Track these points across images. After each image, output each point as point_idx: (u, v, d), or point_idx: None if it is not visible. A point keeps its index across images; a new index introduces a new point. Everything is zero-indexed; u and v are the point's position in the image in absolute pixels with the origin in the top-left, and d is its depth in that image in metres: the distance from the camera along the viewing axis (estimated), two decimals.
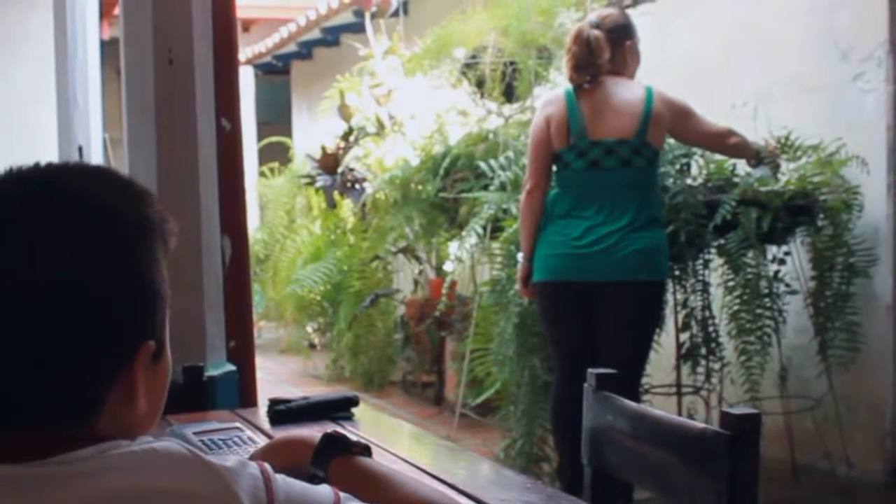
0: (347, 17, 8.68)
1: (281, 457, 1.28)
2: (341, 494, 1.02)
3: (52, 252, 0.90)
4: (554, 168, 3.80)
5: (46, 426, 0.92)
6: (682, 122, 3.81)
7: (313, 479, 1.20)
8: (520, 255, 3.90)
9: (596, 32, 3.71)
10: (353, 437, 1.26)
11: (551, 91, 4.53)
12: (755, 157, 3.98)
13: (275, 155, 8.76)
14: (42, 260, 0.90)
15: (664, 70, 4.63)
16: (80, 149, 4.42)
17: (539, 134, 3.79)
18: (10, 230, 0.91)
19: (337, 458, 1.23)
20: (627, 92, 3.74)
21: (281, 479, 0.97)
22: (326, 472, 1.22)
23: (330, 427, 1.78)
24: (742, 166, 4.17)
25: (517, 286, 3.98)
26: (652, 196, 3.74)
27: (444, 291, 5.46)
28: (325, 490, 1.02)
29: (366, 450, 1.25)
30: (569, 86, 3.80)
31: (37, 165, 0.96)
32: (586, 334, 3.69)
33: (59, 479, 0.88)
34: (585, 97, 3.74)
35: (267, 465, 0.98)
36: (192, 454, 0.93)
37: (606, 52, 3.71)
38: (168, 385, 1.03)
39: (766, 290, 4.00)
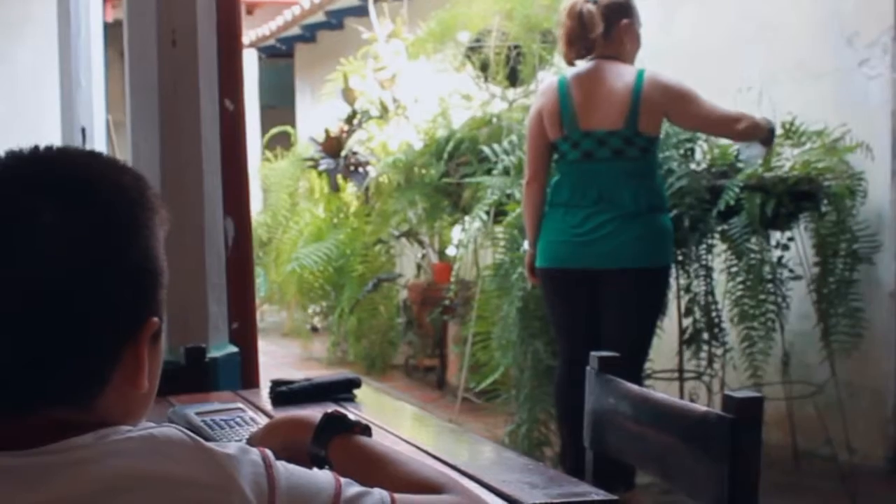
0: (351, 1, 8.65)
1: (281, 436, 1.27)
2: (342, 480, 1.01)
3: (58, 230, 0.90)
4: (553, 156, 3.79)
5: (50, 410, 0.92)
6: (680, 107, 3.68)
7: (314, 459, 1.20)
8: (525, 243, 3.90)
9: (590, 6, 3.66)
10: (354, 417, 1.26)
11: (546, 80, 4.50)
12: (769, 137, 3.84)
13: (278, 139, 8.76)
14: (48, 239, 0.90)
15: (669, 55, 4.62)
16: (84, 130, 4.42)
17: (533, 126, 3.79)
18: (14, 210, 0.91)
19: (337, 437, 1.23)
20: (618, 79, 3.66)
21: (282, 466, 0.97)
22: (327, 451, 1.22)
23: (331, 408, 1.78)
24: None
25: (524, 272, 3.97)
26: (651, 183, 3.68)
27: (452, 278, 5.46)
28: (326, 476, 1.01)
29: (366, 429, 1.25)
30: (563, 74, 3.77)
31: (36, 148, 0.97)
32: (589, 319, 3.69)
33: (57, 468, 0.88)
34: (577, 86, 3.69)
35: (268, 452, 0.98)
36: (192, 440, 0.93)
37: (599, 27, 3.65)
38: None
39: (770, 276, 4.00)
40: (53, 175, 0.94)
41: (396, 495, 1.04)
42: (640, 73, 3.66)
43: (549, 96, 3.75)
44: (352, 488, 1.01)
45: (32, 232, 0.90)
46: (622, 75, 3.68)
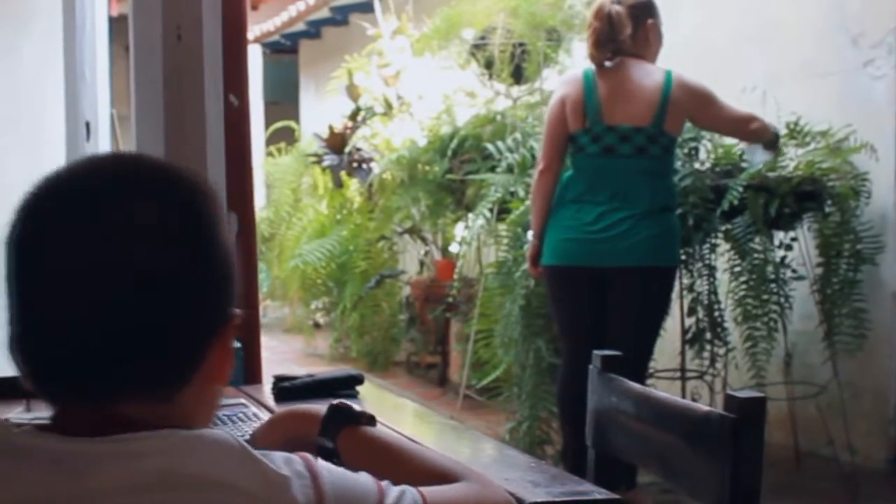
0: None
1: (287, 430, 1.28)
2: (382, 482, 1.01)
3: (152, 226, 0.92)
4: (569, 149, 3.78)
5: (126, 404, 0.92)
6: (703, 110, 3.75)
7: (322, 451, 1.20)
8: (529, 234, 3.88)
9: (618, 8, 3.66)
10: (358, 408, 1.26)
11: (570, 71, 4.49)
12: (774, 141, 3.92)
13: (282, 135, 8.75)
14: (144, 234, 0.92)
15: (673, 54, 4.61)
16: (88, 124, 4.42)
17: (554, 114, 3.76)
18: (109, 206, 0.92)
19: (346, 428, 1.23)
20: (646, 77, 3.69)
21: (325, 471, 0.96)
22: (335, 443, 1.22)
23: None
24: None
25: (526, 266, 3.96)
26: (667, 183, 3.71)
27: (455, 275, 5.45)
28: (366, 478, 1.00)
29: (371, 419, 1.25)
30: (588, 66, 3.76)
31: (117, 153, 1.01)
32: (595, 318, 3.68)
33: (106, 458, 0.88)
34: (603, 79, 3.69)
35: (310, 458, 0.97)
36: (240, 446, 0.92)
37: (628, 28, 3.66)
38: None
39: (773, 276, 3.99)
40: (140, 175, 0.96)
41: (423, 490, 1.03)
42: (669, 74, 3.68)
43: (574, 86, 3.73)
44: (392, 490, 1.00)
45: (129, 227, 0.91)
46: (650, 74, 3.69)
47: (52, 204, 0.93)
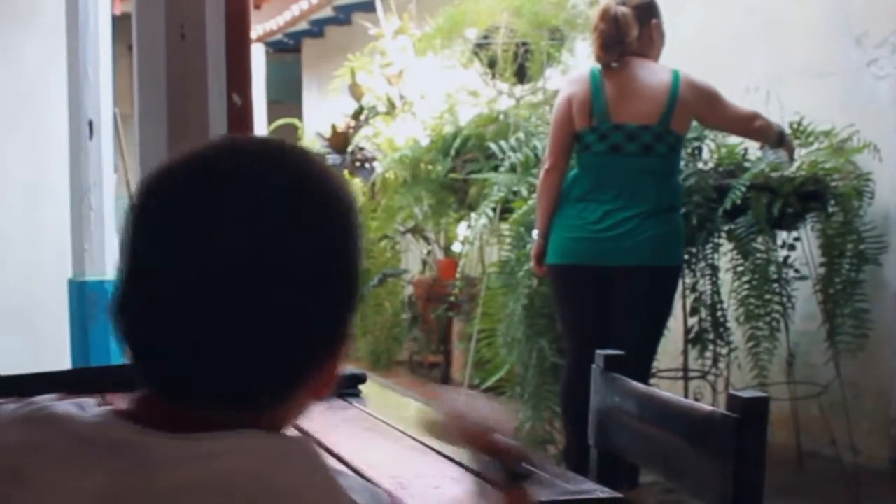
0: None
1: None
2: None
3: (303, 230, 0.87)
4: (575, 148, 3.78)
5: (225, 407, 0.86)
6: (709, 109, 3.76)
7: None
8: (534, 233, 3.88)
9: (623, 9, 3.66)
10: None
11: (576, 70, 4.49)
12: (778, 139, 3.93)
13: (285, 134, 8.75)
14: (295, 238, 0.86)
15: (677, 53, 4.61)
16: (91, 123, 4.42)
17: (561, 113, 3.76)
18: (259, 209, 0.86)
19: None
20: (653, 76, 3.69)
21: None
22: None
23: (338, 403, 1.78)
24: (753, 151, 4.15)
25: (530, 264, 3.96)
26: (672, 182, 3.72)
27: (458, 274, 5.46)
28: None
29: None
30: (594, 65, 3.76)
31: (259, 137, 0.95)
32: (599, 318, 3.68)
33: (183, 456, 0.83)
34: (610, 78, 3.69)
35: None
36: (322, 462, 0.87)
37: (635, 29, 3.66)
38: None
39: (776, 276, 3.99)
40: (285, 173, 0.90)
41: None
42: (676, 73, 3.69)
43: (581, 85, 3.74)
44: None
45: (275, 229, 0.86)
46: (657, 73, 3.70)
47: (196, 190, 0.87)
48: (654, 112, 3.64)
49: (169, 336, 0.86)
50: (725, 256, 4.12)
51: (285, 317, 0.86)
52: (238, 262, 0.84)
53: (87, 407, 0.89)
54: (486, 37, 5.60)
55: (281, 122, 8.71)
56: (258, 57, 10.62)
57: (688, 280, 4.15)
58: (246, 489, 0.82)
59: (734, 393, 1.51)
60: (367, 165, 6.75)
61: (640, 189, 3.62)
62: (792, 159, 3.96)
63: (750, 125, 3.87)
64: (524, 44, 5.42)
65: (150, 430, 0.85)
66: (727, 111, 3.81)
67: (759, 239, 3.95)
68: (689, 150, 4.18)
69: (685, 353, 4.25)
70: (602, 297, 3.67)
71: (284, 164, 0.90)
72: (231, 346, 0.85)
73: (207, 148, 0.91)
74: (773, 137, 3.91)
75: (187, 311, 0.85)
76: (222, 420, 0.85)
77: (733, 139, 4.18)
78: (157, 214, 0.88)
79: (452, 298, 5.58)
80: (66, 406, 0.89)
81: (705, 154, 4.25)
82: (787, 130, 4.04)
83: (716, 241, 4.10)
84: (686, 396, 4.15)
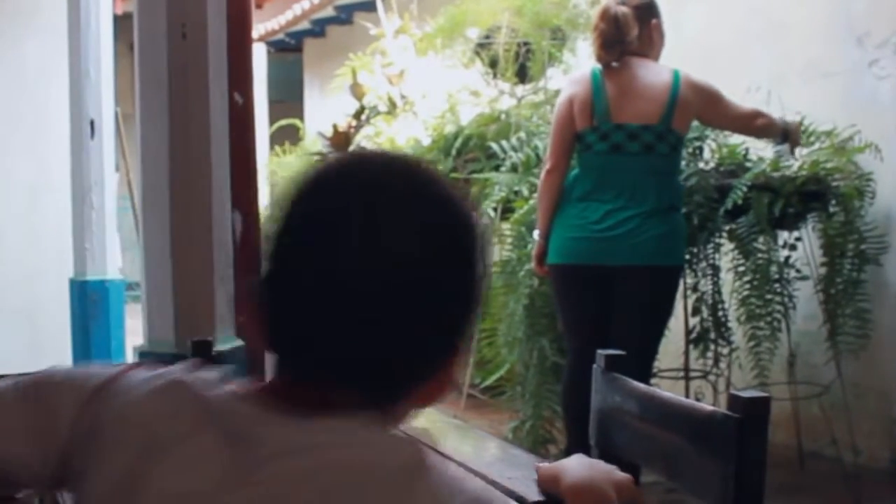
0: None
1: None
2: None
3: (438, 231, 0.93)
4: (576, 147, 3.78)
5: (339, 399, 0.91)
6: (711, 108, 3.76)
7: None
8: (535, 233, 3.88)
9: (623, 9, 3.66)
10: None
11: (577, 70, 4.49)
12: (782, 135, 3.91)
13: (286, 134, 8.75)
14: (444, 250, 0.93)
15: (678, 53, 4.61)
16: (92, 122, 4.43)
17: (562, 113, 3.76)
18: (407, 212, 0.92)
19: None
20: (654, 76, 3.69)
21: None
22: None
23: None
24: (755, 151, 4.15)
25: (531, 265, 3.96)
26: (673, 182, 3.72)
27: None
28: None
29: None
30: (595, 65, 3.76)
31: (381, 152, 1.05)
32: (600, 318, 3.67)
33: (297, 445, 0.87)
34: (611, 78, 3.69)
35: None
36: (424, 451, 0.90)
37: (635, 29, 3.66)
38: None
39: (777, 276, 3.99)
40: (417, 184, 0.96)
41: None
42: (676, 73, 3.69)
43: (582, 85, 3.74)
44: None
45: (418, 230, 0.92)
46: (657, 73, 3.70)
47: (356, 202, 0.93)
48: (655, 112, 3.64)
49: (317, 325, 0.92)
50: (727, 256, 4.12)
51: (426, 320, 0.92)
52: (400, 267, 0.90)
53: (212, 383, 0.96)
54: (487, 36, 5.60)
55: (282, 121, 8.72)
56: (259, 56, 10.62)
57: (689, 280, 4.16)
58: (354, 477, 0.86)
59: (735, 393, 1.51)
60: None
61: (641, 189, 3.62)
62: (793, 152, 3.95)
63: (751, 123, 3.87)
64: (525, 43, 5.42)
65: (268, 416, 0.90)
66: (728, 110, 3.81)
67: (761, 239, 3.95)
68: (691, 150, 4.18)
69: (686, 352, 4.25)
70: (603, 296, 3.67)
71: (432, 181, 0.97)
72: (375, 341, 0.91)
73: (355, 161, 1.01)
74: (776, 134, 3.89)
75: (342, 305, 0.90)
76: (342, 403, 0.90)
77: (735, 139, 4.18)
78: (320, 222, 0.93)
79: None
80: (195, 379, 0.97)
81: (706, 154, 4.25)
82: (796, 120, 4.01)
83: (717, 240, 4.10)
84: (687, 396, 4.15)
